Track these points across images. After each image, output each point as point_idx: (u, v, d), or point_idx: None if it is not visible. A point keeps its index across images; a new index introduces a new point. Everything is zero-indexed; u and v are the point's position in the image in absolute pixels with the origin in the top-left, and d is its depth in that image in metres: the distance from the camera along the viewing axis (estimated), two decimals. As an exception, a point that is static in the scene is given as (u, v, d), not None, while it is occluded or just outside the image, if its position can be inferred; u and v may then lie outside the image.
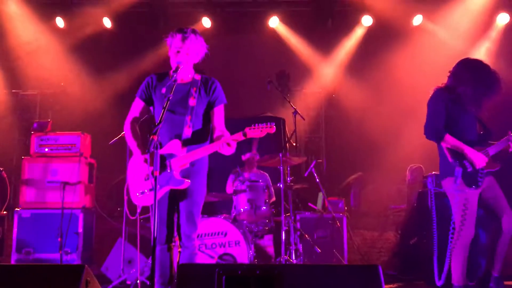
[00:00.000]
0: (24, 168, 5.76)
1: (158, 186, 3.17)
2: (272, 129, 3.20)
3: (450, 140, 3.95)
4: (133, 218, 3.50)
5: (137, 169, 3.38)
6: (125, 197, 3.48)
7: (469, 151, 3.91)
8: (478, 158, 3.89)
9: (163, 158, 3.28)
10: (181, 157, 3.28)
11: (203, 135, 3.42)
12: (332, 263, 5.55)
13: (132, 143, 3.41)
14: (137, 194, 3.35)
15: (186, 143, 3.32)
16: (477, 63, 4.06)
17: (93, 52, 7.82)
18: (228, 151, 3.19)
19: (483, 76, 3.98)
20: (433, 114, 4.04)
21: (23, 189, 5.71)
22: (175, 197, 3.35)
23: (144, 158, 3.26)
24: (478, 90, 3.95)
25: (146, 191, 3.30)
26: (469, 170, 3.92)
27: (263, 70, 7.84)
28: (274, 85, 6.48)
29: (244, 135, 3.20)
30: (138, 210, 3.42)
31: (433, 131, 4.00)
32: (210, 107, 3.44)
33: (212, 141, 3.42)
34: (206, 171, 3.48)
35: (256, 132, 3.19)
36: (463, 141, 3.95)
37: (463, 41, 7.49)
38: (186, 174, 3.32)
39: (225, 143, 3.15)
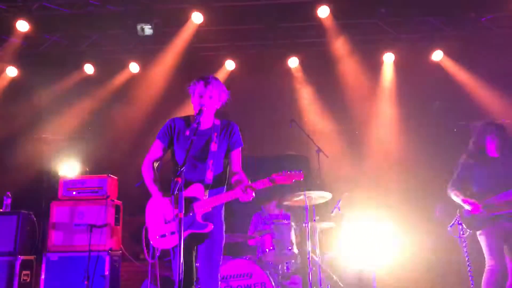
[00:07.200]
0: (52, 212, 5.85)
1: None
2: (301, 176, 3.21)
3: None
4: (152, 261, 3.46)
5: (156, 212, 3.38)
6: (143, 240, 3.46)
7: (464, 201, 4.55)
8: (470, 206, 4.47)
9: (186, 201, 3.27)
10: (204, 202, 3.29)
11: (223, 178, 3.47)
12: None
13: (151, 185, 3.43)
14: (157, 237, 3.34)
15: (208, 187, 3.35)
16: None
17: (121, 96, 8.05)
18: (245, 198, 3.18)
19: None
20: None
21: (51, 232, 5.79)
22: (194, 240, 3.33)
23: (168, 200, 3.26)
24: None
25: (166, 234, 3.29)
26: (466, 215, 4.53)
27: (285, 109, 7.91)
28: (297, 124, 6.50)
29: (272, 181, 3.22)
30: (157, 254, 3.38)
31: None
32: (228, 150, 3.49)
33: (229, 184, 3.44)
34: (223, 211, 3.50)
35: (284, 178, 3.20)
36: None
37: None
38: (206, 217, 3.33)
39: (243, 190, 3.15)
